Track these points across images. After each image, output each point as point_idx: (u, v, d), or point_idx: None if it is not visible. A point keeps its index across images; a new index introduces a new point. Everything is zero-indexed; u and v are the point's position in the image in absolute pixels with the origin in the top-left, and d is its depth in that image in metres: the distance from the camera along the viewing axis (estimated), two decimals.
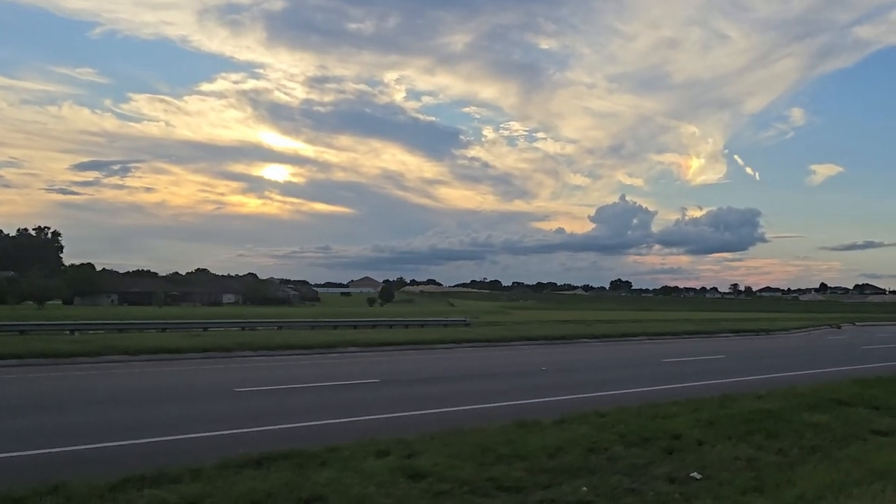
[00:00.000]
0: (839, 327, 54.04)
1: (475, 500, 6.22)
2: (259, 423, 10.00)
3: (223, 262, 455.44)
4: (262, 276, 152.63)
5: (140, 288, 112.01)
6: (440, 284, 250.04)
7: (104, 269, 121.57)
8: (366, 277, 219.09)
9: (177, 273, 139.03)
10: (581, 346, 29.06)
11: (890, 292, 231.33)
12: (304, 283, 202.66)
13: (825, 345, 32.72)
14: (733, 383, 15.38)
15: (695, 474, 7.16)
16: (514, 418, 9.47)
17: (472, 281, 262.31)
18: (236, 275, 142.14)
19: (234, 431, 9.44)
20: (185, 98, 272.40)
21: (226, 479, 6.45)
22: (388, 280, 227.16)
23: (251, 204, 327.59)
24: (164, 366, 18.89)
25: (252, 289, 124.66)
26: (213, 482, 6.36)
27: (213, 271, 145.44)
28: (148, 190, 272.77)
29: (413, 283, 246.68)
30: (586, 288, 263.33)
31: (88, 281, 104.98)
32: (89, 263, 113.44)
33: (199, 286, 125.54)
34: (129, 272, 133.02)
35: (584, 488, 6.56)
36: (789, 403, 11.38)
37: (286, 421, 10.22)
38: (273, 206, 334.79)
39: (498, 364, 20.75)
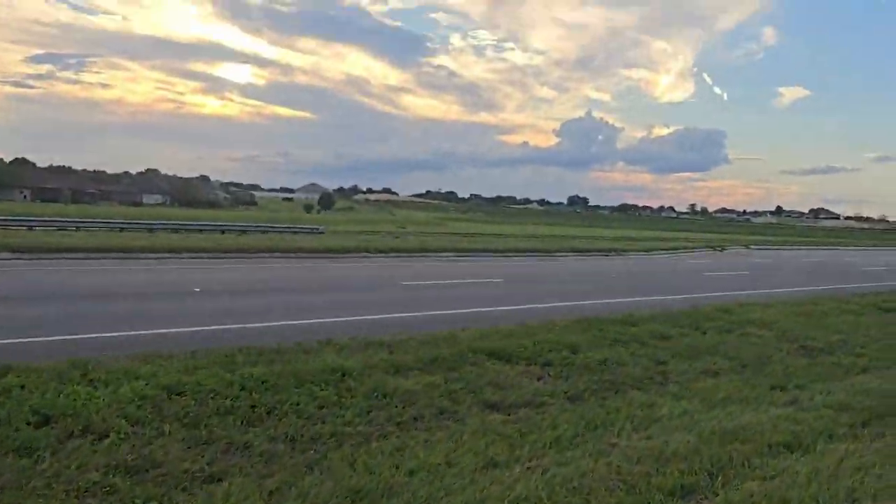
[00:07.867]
0: (722, 250, 52.45)
1: None
2: None
3: (181, 162, 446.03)
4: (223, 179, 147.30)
5: (56, 184, 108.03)
6: (395, 193, 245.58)
7: (15, 159, 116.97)
8: (313, 184, 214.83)
9: (104, 171, 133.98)
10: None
11: (844, 218, 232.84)
12: (254, 186, 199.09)
13: (648, 271, 30.70)
14: (453, 315, 13.54)
15: None
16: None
17: (427, 192, 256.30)
18: (166, 174, 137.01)
19: None
20: None
21: None
22: (341, 188, 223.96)
23: (210, 105, 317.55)
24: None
25: (180, 190, 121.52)
26: None
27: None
28: (104, 86, 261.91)
29: (369, 191, 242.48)
30: (542, 202, 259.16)
31: None
32: None
33: (122, 185, 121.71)
34: (47, 167, 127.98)
35: None
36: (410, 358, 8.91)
37: None
38: (233, 107, 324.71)
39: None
